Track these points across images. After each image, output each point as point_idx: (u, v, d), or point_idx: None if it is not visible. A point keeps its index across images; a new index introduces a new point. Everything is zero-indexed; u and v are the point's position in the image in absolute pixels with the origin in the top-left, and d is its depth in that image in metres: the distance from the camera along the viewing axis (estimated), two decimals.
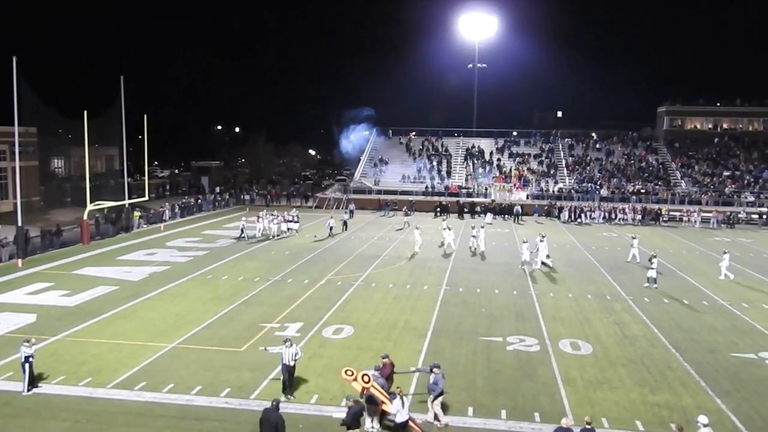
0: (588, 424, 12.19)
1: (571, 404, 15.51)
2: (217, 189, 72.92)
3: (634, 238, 36.20)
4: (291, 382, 15.69)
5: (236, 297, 25.44)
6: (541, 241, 33.08)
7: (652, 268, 28.64)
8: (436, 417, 14.36)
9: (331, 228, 42.83)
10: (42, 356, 17.56)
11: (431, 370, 14.58)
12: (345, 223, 45.82)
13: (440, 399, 14.41)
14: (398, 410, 13.30)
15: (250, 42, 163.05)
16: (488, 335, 20.90)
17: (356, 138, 76.15)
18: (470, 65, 76.20)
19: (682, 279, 30.46)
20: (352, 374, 14.10)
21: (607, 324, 22.52)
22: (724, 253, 31.75)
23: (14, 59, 33.18)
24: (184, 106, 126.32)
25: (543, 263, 32.55)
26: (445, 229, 38.41)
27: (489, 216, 53.94)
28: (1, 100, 37.14)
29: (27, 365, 15.72)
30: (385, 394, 13.90)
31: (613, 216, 54.24)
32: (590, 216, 54.33)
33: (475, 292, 26.99)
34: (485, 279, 29.61)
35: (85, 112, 38.55)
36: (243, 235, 40.78)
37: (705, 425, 11.96)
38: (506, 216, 55.49)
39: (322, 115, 76.30)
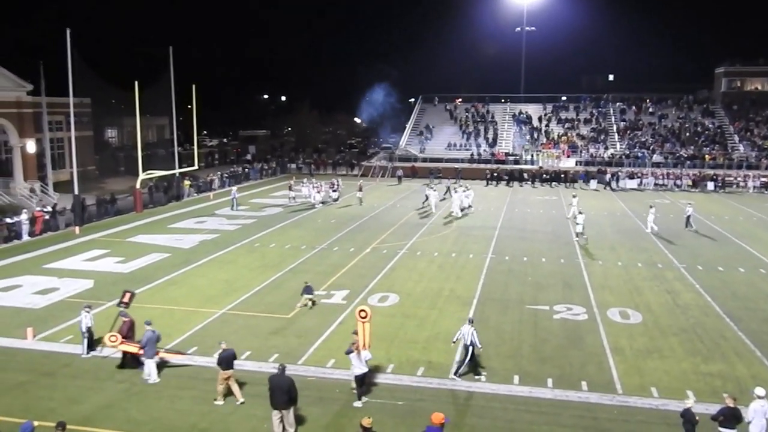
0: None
1: (620, 373, 15.31)
2: (248, 156, 74.31)
3: (574, 197, 37.98)
4: (464, 361, 15.26)
5: (283, 264, 25.82)
6: (467, 189, 40.73)
7: (578, 224, 30.41)
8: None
9: (426, 197, 41.15)
10: (99, 320, 18.19)
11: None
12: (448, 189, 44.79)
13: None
14: (356, 364, 13.78)
15: (294, 10, 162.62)
16: (534, 304, 20.71)
17: (400, 105, 75.61)
18: (518, 28, 74.24)
19: (738, 246, 29.45)
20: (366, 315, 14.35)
21: (658, 293, 22.01)
22: (651, 207, 33.92)
23: (68, 31, 33.90)
24: (232, 76, 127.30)
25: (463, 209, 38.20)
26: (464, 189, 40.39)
27: (594, 182, 53.34)
28: (56, 72, 38.14)
29: (86, 331, 16.39)
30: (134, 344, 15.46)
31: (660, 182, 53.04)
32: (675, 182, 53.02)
33: (522, 260, 26.71)
34: (532, 247, 29.24)
35: (137, 83, 39.30)
36: (235, 207, 40.36)
37: (760, 397, 11.63)
38: (553, 183, 54.54)
39: (367, 82, 75.72)
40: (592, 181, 53.43)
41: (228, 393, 14.05)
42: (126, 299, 16.90)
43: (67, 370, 15.71)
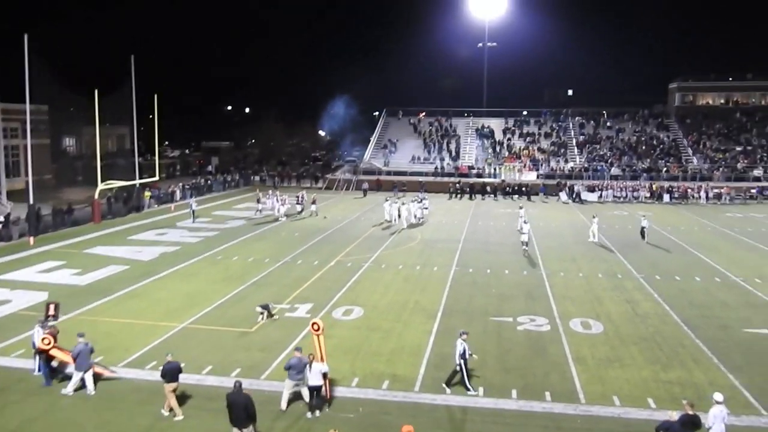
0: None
1: (582, 383, 15.47)
2: (209, 168, 74.02)
3: (521, 208, 39.51)
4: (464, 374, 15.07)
5: (247, 277, 25.49)
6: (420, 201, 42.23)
7: (524, 233, 31.48)
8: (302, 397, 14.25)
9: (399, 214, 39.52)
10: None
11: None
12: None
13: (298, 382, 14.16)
14: (309, 376, 13.77)
15: (258, 20, 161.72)
16: (498, 315, 20.84)
17: (364, 119, 75.85)
18: (480, 44, 75.37)
19: (694, 256, 30.22)
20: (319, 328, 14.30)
21: (618, 302, 22.40)
22: (593, 217, 35.30)
23: (26, 36, 33.10)
24: (195, 86, 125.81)
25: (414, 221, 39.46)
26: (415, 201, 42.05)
27: (563, 195, 53.73)
28: (12, 78, 37.16)
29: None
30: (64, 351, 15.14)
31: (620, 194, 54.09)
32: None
33: (485, 272, 26.89)
34: (495, 259, 29.49)
35: (96, 91, 38.55)
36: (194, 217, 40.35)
37: (719, 402, 11.88)
38: (515, 196, 55.13)
39: (331, 96, 76.19)
40: (561, 193, 54.10)
41: (179, 404, 13.86)
42: (51, 312, 16.76)
43: (21, 385, 15.16)
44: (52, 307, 17.00)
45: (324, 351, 14.22)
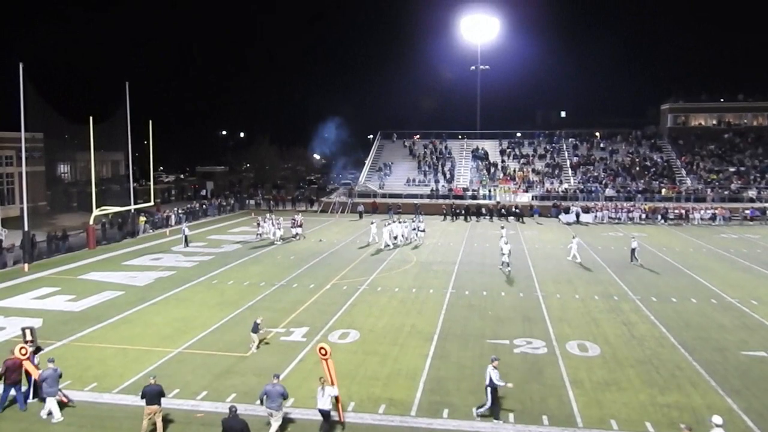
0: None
1: (580, 406, 15.38)
2: (203, 192, 74.54)
3: (503, 227, 40.87)
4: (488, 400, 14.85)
5: (242, 302, 25.39)
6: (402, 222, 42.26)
7: (504, 254, 31.94)
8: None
9: (395, 238, 39.99)
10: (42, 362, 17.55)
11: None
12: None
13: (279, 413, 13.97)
14: (320, 398, 13.75)
15: (252, 46, 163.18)
16: (495, 338, 20.77)
17: (359, 142, 76.38)
18: (473, 67, 76.13)
19: (689, 277, 30.25)
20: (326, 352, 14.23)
21: (615, 324, 22.36)
22: (573, 237, 36.11)
23: (20, 65, 33.33)
24: (190, 111, 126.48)
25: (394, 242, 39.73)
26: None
27: (564, 216, 53.67)
28: (7, 106, 37.33)
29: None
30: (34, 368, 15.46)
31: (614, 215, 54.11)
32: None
33: (481, 294, 26.85)
34: (491, 281, 29.46)
35: (91, 118, 38.69)
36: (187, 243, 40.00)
37: (718, 425, 11.82)
38: (510, 218, 55.21)
39: (324, 119, 77.07)
40: (562, 214, 54.12)
41: (153, 430, 13.78)
42: (29, 338, 16.88)
43: (13, 413, 15.02)
44: (28, 332, 17.04)
45: (334, 375, 14.11)
